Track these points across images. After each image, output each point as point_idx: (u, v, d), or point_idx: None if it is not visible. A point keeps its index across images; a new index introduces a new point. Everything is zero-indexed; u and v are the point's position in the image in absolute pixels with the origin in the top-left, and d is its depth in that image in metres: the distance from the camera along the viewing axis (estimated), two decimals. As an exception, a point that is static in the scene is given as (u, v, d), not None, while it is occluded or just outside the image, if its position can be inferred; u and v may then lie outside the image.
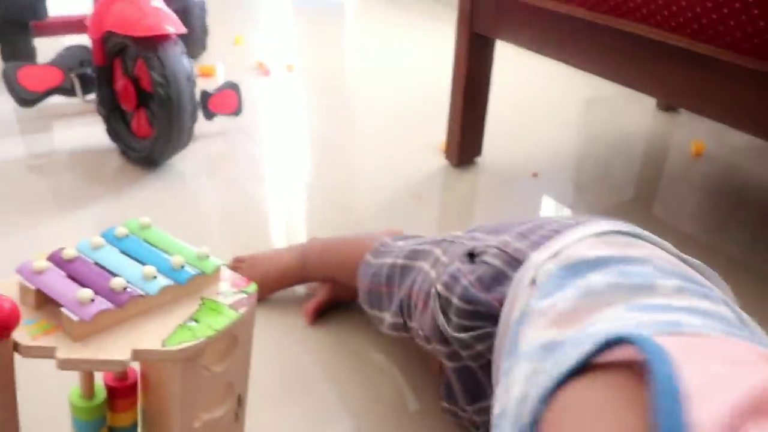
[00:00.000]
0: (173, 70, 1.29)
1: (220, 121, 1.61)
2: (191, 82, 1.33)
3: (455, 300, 0.62)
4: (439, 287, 0.64)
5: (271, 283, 1.01)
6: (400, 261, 0.77)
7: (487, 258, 0.62)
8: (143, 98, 1.39)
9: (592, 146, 1.67)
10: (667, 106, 1.88)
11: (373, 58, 2.26)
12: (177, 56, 1.30)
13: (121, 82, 1.41)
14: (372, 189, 1.43)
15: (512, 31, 1.28)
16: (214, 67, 1.96)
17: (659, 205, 1.43)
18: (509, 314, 0.55)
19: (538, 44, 1.24)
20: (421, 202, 1.37)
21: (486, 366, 0.62)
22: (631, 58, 1.07)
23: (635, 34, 1.03)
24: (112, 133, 1.48)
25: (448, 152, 1.51)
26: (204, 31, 2.02)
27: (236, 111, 1.58)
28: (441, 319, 0.63)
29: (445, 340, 0.64)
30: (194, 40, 1.96)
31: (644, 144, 1.71)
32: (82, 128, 1.62)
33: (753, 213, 1.40)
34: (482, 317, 0.60)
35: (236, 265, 1.05)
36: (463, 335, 0.61)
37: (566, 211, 1.37)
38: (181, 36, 1.33)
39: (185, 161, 1.49)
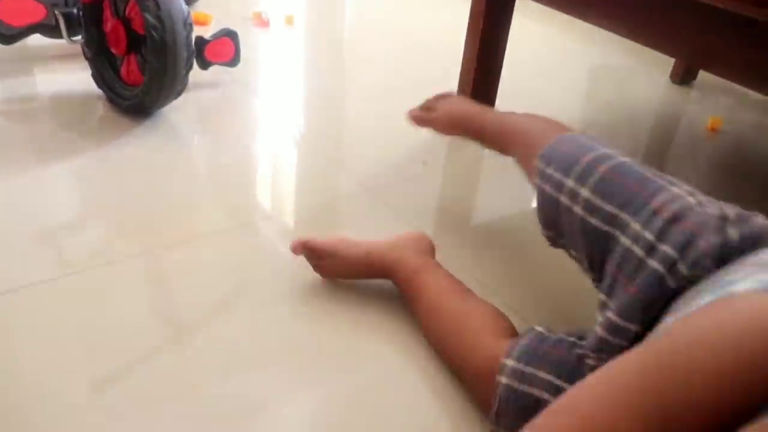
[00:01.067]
0: (169, 12, 1.19)
1: (215, 72, 1.51)
2: (188, 26, 1.23)
3: (736, 218, 0.63)
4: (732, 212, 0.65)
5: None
6: (637, 167, 0.73)
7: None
8: (135, 42, 1.29)
9: (603, 116, 1.60)
10: (681, 78, 1.81)
11: (379, 15, 2.16)
12: (173, -3, 1.20)
13: (110, 23, 1.30)
14: (374, 149, 1.34)
15: (535, -14, 1.20)
16: (209, 15, 1.85)
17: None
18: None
19: (560, 1, 1.16)
20: (426, 167, 1.29)
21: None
22: (649, 15, 1.01)
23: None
24: (99, 78, 1.38)
25: (457, 115, 1.43)
26: (199, -24, 1.91)
27: (233, 60, 1.49)
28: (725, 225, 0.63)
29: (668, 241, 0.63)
30: (188, -15, 1.84)
31: (656, 116, 1.64)
32: (65, 73, 1.52)
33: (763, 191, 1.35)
34: (730, 249, 0.61)
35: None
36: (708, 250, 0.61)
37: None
38: (177, -24, 1.23)
39: (177, 112, 1.39)
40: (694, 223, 0.64)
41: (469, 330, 0.81)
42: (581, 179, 0.74)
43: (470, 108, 1.07)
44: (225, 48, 1.46)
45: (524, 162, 0.89)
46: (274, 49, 1.80)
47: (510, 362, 0.71)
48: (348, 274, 0.95)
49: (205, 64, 1.43)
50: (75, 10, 1.37)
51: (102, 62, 1.36)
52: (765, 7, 0.82)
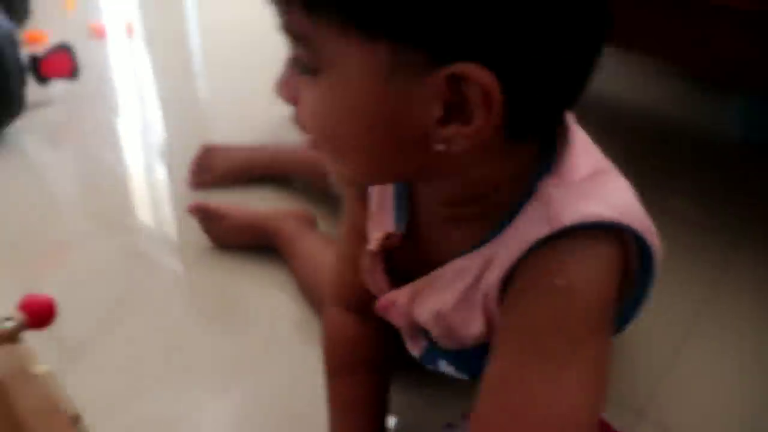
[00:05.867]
0: (-10, 30, 1.16)
1: (58, 89, 1.48)
2: (13, 43, 1.21)
3: None
4: None
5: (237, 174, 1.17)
6: None
7: None
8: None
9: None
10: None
11: (221, 19, 2.15)
12: (-9, 14, 1.17)
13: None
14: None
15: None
16: (44, 32, 1.78)
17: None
18: None
19: None
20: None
21: None
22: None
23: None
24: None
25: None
26: (25, -7, 1.83)
27: (73, 73, 1.45)
28: None
29: None
30: (14, 4, 1.77)
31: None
32: None
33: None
34: None
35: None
36: None
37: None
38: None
39: (24, 133, 1.35)
40: None
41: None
42: None
43: (245, 153, 1.18)
44: (61, 62, 1.42)
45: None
46: (116, 59, 1.77)
47: None
48: (236, 238, 1.02)
49: (42, 80, 1.39)
50: None
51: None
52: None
